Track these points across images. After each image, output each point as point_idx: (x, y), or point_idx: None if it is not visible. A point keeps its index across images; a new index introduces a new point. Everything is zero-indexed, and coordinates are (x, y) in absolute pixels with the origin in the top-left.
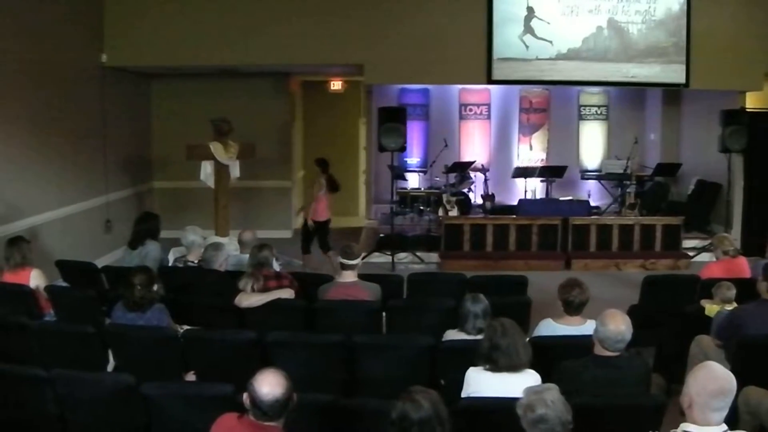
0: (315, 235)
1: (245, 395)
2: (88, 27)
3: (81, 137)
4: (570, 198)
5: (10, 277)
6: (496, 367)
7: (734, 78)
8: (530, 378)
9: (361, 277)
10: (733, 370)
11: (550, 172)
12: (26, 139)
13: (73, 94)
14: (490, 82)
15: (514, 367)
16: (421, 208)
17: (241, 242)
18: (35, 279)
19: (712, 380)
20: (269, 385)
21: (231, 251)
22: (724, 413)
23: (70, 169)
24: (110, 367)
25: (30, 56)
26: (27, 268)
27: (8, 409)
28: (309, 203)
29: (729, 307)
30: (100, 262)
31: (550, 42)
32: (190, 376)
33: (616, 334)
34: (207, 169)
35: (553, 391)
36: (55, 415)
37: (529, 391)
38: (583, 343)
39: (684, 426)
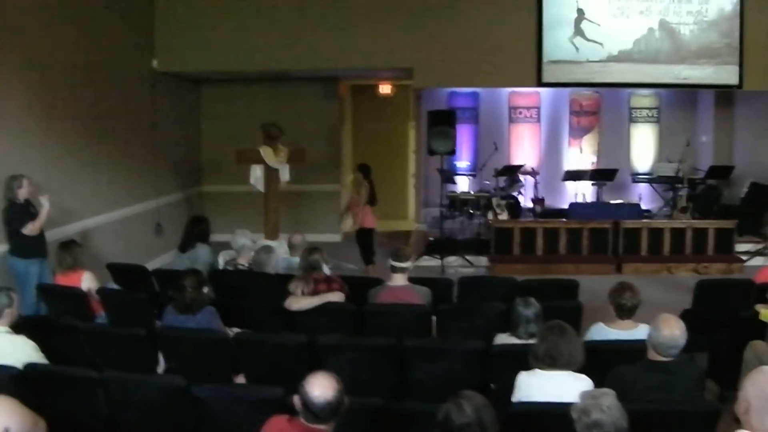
0: (359, 241)
1: (296, 398)
2: (139, 32)
3: (132, 141)
4: (621, 201)
5: (62, 280)
6: (554, 364)
7: None
8: (583, 383)
9: (411, 280)
10: None
11: (600, 176)
12: (79, 143)
13: (125, 99)
14: (540, 84)
15: (571, 365)
16: (471, 211)
17: (291, 245)
18: (87, 281)
19: None
20: (321, 387)
21: (281, 255)
22: None
23: (122, 173)
24: (160, 370)
25: (83, 61)
26: (78, 271)
27: (59, 410)
28: (353, 207)
29: None
30: (151, 265)
31: (601, 44)
32: (240, 379)
33: (671, 340)
34: (257, 173)
35: (609, 397)
36: (106, 416)
37: (586, 395)
38: (636, 348)
39: None
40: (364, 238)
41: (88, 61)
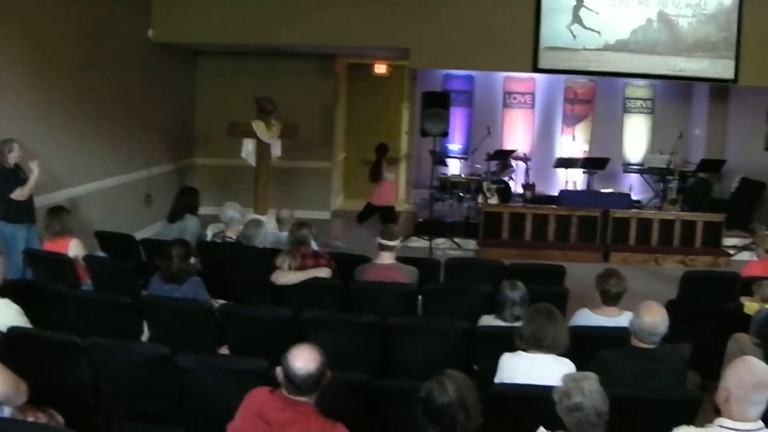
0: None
1: (278, 369)
2: (135, 2)
3: (125, 111)
4: (611, 191)
5: (49, 246)
6: (538, 346)
7: None
8: (565, 366)
9: (399, 260)
10: None
11: (592, 164)
12: (71, 111)
13: (119, 68)
14: (536, 70)
15: (554, 348)
16: (461, 194)
17: (279, 220)
18: (74, 248)
19: (751, 373)
20: (303, 359)
21: (270, 229)
22: (762, 408)
23: (113, 142)
24: (145, 338)
25: (78, 29)
26: (66, 237)
27: (42, 374)
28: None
29: None
30: (139, 235)
31: (598, 32)
32: (224, 350)
33: (651, 326)
34: (249, 147)
35: (591, 380)
36: (89, 382)
37: (568, 378)
38: (620, 335)
39: (720, 421)
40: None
41: (83, 29)
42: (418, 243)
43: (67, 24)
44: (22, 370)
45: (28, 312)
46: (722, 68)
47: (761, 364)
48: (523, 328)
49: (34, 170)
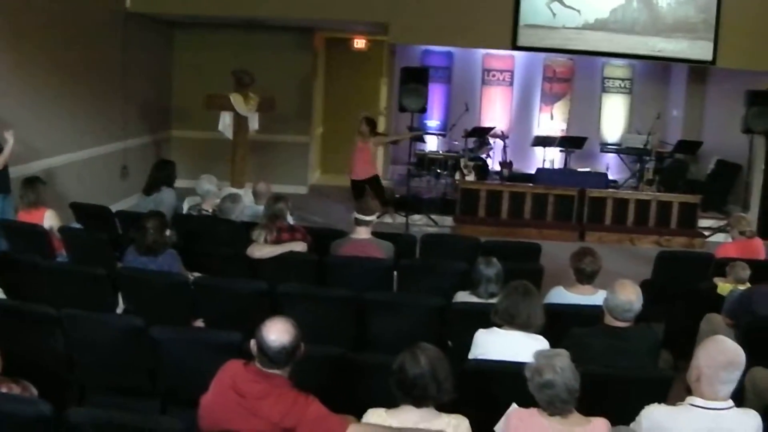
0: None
1: (252, 341)
2: None
3: (101, 82)
4: (588, 170)
5: (24, 216)
6: (512, 321)
7: (762, 58)
8: (539, 343)
9: (375, 235)
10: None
11: (569, 143)
12: (46, 81)
13: (95, 39)
14: (515, 48)
15: (529, 326)
16: (438, 171)
17: (255, 193)
18: (49, 219)
19: (721, 352)
20: (277, 332)
21: (246, 203)
22: (732, 387)
23: (89, 114)
24: (119, 311)
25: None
26: (41, 208)
27: (16, 346)
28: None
29: (742, 287)
30: (115, 207)
31: (578, 11)
32: (199, 323)
33: (626, 303)
34: (226, 120)
35: (562, 357)
36: (64, 354)
37: (539, 355)
38: (594, 313)
39: (690, 399)
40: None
41: None
42: (395, 219)
43: None
44: None
45: (2, 283)
46: (701, 50)
47: (732, 343)
48: (499, 304)
49: (9, 140)
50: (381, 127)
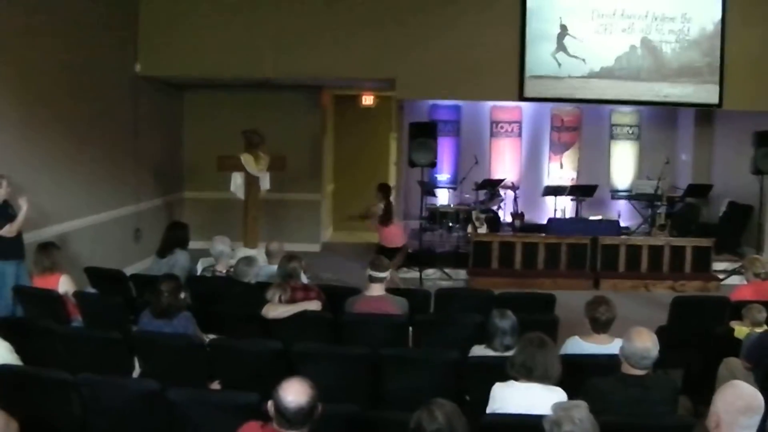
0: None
1: (270, 403)
2: (122, 36)
3: (113, 146)
4: (600, 217)
5: (39, 282)
6: (530, 375)
7: None
8: (557, 395)
9: (389, 291)
10: (762, 394)
11: (580, 191)
12: (59, 146)
13: (107, 103)
14: (522, 99)
15: (547, 378)
16: (450, 224)
17: (268, 253)
18: (64, 285)
19: (739, 398)
20: (294, 393)
21: (260, 263)
22: None
23: (102, 177)
24: (136, 374)
25: (65, 64)
26: (56, 274)
27: (33, 412)
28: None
29: (759, 330)
30: (129, 271)
31: (583, 60)
32: (216, 385)
33: (643, 351)
34: (237, 181)
35: (581, 409)
36: (80, 419)
37: (558, 407)
38: (611, 362)
39: None
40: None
41: (70, 64)
42: (409, 274)
43: (55, 59)
44: (12, 407)
45: (19, 349)
46: (706, 93)
47: (749, 387)
48: (515, 357)
49: (23, 206)
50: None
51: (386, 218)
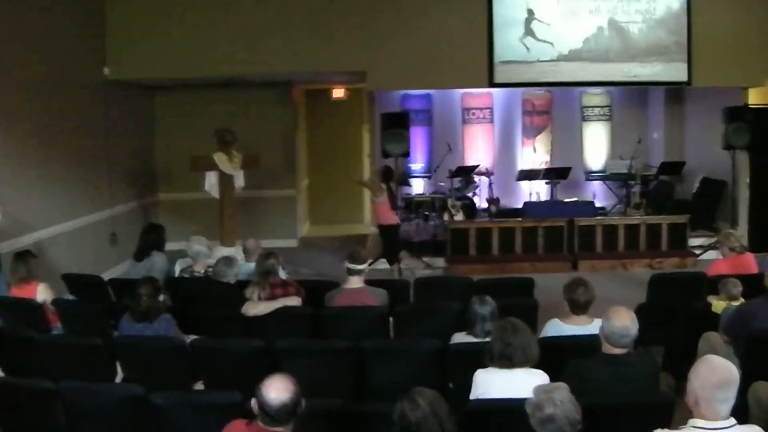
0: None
1: (253, 401)
2: (90, 40)
3: (85, 151)
4: (575, 199)
5: (16, 292)
6: (510, 363)
7: (736, 74)
8: (539, 378)
9: (368, 282)
10: (742, 366)
11: (554, 174)
12: (30, 154)
13: (77, 108)
14: (492, 85)
15: (528, 362)
16: (426, 213)
17: (245, 251)
18: (42, 293)
19: (712, 372)
20: (277, 390)
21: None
22: (731, 405)
23: (75, 183)
24: (118, 379)
25: (33, 71)
26: (33, 283)
27: (17, 422)
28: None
29: (736, 303)
30: (107, 275)
31: (551, 44)
32: (199, 386)
33: (622, 329)
34: (211, 180)
35: (562, 391)
36: (65, 427)
37: (539, 390)
38: (591, 343)
39: (693, 422)
40: (387, 235)
41: (38, 70)
42: (387, 265)
43: (23, 67)
44: None
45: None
46: (675, 71)
47: (722, 360)
48: (491, 347)
49: None
50: (367, 173)
51: (393, 201)
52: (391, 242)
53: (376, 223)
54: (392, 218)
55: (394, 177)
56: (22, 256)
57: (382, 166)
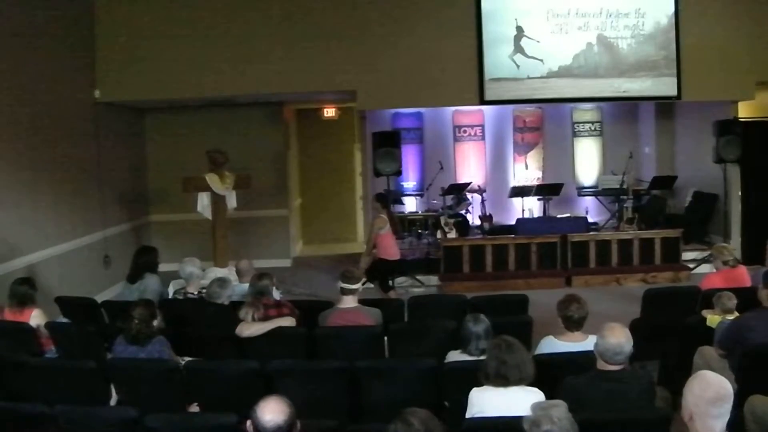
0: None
1: (248, 423)
2: (80, 63)
3: (76, 173)
4: (568, 215)
5: (10, 316)
6: (506, 381)
7: (725, 88)
8: (535, 396)
9: (362, 302)
10: (737, 380)
11: (546, 190)
12: (22, 177)
13: (68, 131)
14: (483, 102)
15: (524, 380)
16: (419, 231)
17: (238, 272)
18: (36, 318)
19: (706, 388)
20: (271, 412)
21: (233, 284)
22: (725, 420)
23: (67, 206)
24: (113, 402)
25: (24, 94)
26: (27, 309)
27: None
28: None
29: (730, 317)
30: (100, 297)
31: (541, 60)
32: (194, 408)
33: (616, 346)
34: (204, 201)
35: (560, 408)
36: None
37: (536, 406)
38: (586, 359)
39: None
40: (386, 268)
41: (30, 95)
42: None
43: (14, 90)
44: None
45: None
46: (665, 86)
47: (715, 376)
48: (486, 366)
49: None
50: (359, 192)
51: (394, 226)
52: (389, 273)
53: (378, 256)
54: (395, 253)
55: (389, 200)
56: (26, 282)
57: (374, 194)
